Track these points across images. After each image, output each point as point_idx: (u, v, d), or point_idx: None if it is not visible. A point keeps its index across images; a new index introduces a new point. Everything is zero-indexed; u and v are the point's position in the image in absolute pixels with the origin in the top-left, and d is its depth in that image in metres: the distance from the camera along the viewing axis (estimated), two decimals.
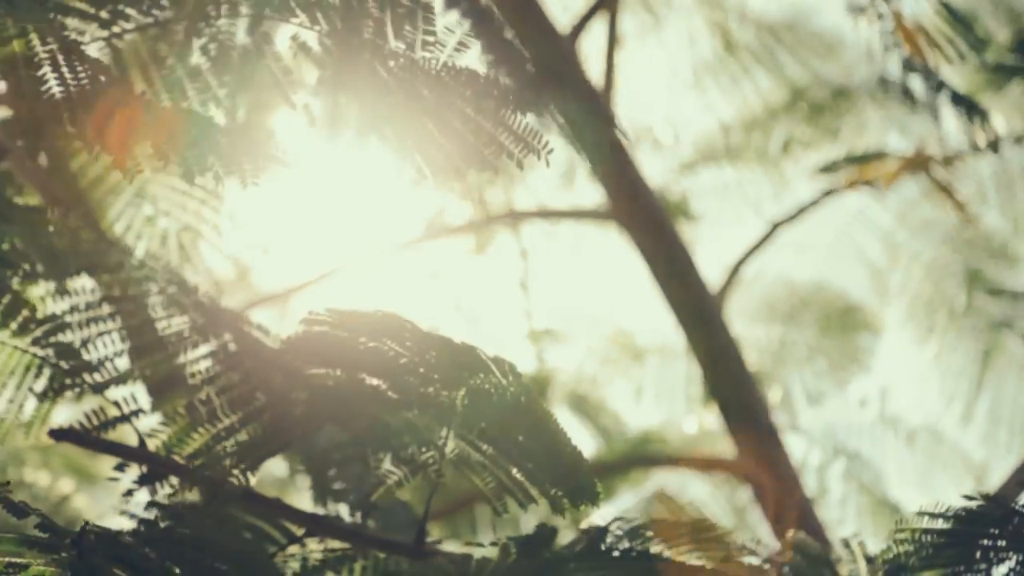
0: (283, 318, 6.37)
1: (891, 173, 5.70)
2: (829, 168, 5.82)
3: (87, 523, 2.30)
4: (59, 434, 2.73)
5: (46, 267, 2.73)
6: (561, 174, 6.64)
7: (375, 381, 2.57)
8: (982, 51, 4.46)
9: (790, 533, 2.81)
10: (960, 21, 4.16)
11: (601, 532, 2.58)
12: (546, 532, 2.54)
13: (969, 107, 4.44)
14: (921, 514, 2.62)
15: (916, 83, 4.32)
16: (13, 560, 2.25)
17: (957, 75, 5.39)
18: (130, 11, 2.38)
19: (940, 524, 2.61)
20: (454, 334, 2.51)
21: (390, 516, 2.92)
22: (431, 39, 2.45)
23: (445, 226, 6.37)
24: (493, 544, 2.57)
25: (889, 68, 4.50)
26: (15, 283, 2.69)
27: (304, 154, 2.58)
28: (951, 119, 4.72)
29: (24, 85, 2.33)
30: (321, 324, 2.49)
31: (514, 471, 2.58)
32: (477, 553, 2.59)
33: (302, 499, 3.05)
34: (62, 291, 2.75)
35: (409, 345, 2.48)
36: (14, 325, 2.72)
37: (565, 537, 2.61)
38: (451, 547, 2.79)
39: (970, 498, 2.61)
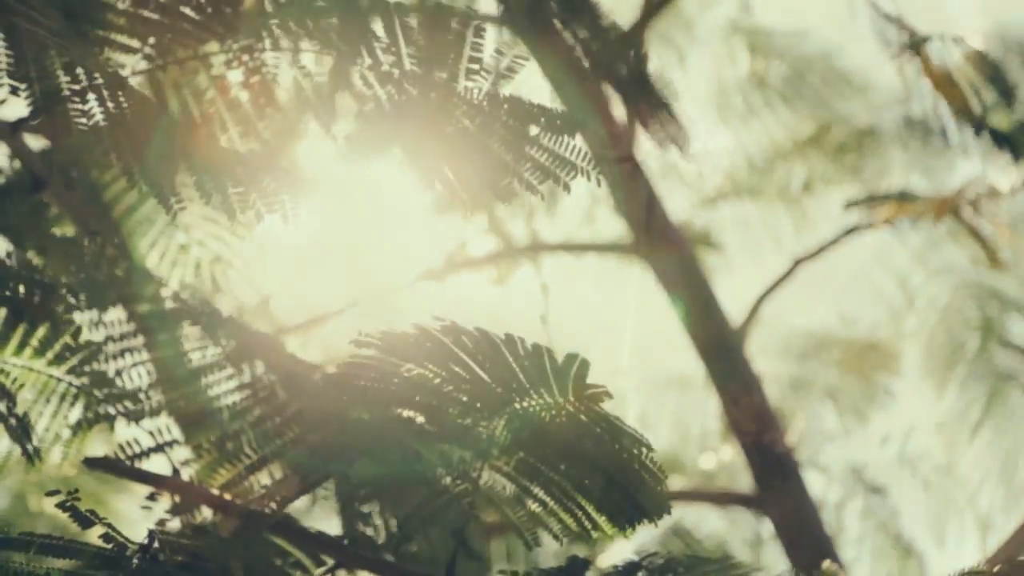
0: (304, 349, 6.36)
1: (919, 213, 5.69)
2: (855, 204, 5.81)
3: (152, 531, 2.31)
4: (93, 463, 2.74)
5: (82, 298, 2.74)
6: (584, 208, 6.64)
7: (411, 413, 2.56)
8: (1011, 99, 4.45)
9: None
10: (991, 67, 4.15)
11: (634, 566, 2.56)
12: (578, 564, 2.52)
13: (1012, 146, 4.42)
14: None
15: (948, 123, 4.30)
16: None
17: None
18: (173, 45, 2.40)
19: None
20: (524, 336, 2.44)
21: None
22: (476, 67, 2.45)
23: (467, 258, 6.37)
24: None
25: (917, 109, 4.49)
26: (53, 313, 2.70)
27: (330, 185, 2.58)
28: (978, 162, 4.71)
29: (67, 116, 2.34)
30: (370, 347, 2.49)
31: (550, 502, 2.56)
32: None
33: (321, 521, 3.04)
34: (97, 321, 2.76)
35: (456, 371, 2.47)
36: (50, 354, 2.73)
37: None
38: None
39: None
